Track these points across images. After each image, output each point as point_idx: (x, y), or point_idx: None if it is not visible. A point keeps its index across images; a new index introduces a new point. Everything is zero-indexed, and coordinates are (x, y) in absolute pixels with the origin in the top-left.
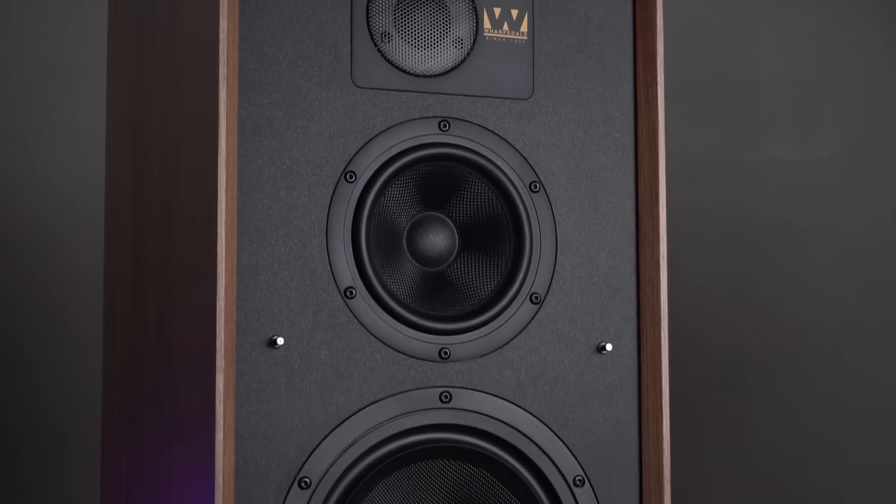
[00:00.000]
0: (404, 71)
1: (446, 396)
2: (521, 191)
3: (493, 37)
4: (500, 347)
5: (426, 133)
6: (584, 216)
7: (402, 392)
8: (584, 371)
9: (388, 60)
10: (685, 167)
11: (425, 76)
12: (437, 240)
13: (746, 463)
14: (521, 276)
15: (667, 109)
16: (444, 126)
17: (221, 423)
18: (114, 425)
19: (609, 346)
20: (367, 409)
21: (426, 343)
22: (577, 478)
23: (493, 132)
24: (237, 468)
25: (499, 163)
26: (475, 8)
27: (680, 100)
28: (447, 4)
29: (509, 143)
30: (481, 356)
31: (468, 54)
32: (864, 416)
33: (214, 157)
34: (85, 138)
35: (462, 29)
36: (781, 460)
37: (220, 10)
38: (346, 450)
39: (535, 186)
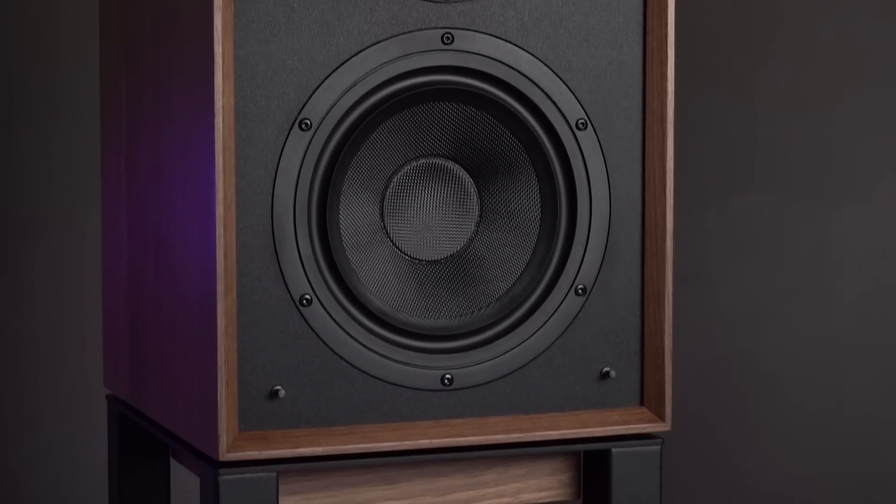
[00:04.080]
0: None
1: (448, 38)
2: None
3: None
4: None
5: None
6: None
7: (403, 33)
8: (588, 13)
9: None
10: None
11: None
12: None
13: (745, 127)
14: None
15: None
16: None
17: (220, 63)
18: (111, 74)
19: None
20: (368, 49)
21: None
22: (580, 121)
23: None
24: (237, 109)
25: None
26: None
27: None
28: None
29: None
30: None
31: None
32: (864, 69)
33: None
34: None
35: None
36: (782, 139)
37: None
38: (346, 91)
39: None
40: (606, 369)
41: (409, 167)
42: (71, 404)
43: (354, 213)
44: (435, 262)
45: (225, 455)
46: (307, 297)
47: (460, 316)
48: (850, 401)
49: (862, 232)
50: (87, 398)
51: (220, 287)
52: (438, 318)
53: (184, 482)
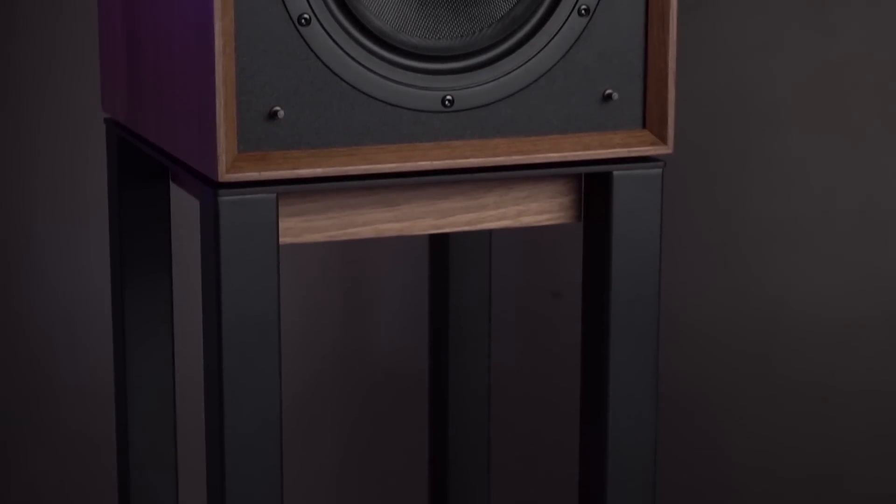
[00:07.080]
0: None
1: None
2: None
3: None
4: None
5: None
6: None
7: None
8: None
9: None
10: None
11: None
12: None
13: None
14: None
15: None
16: None
17: None
18: None
19: None
20: None
21: None
22: None
23: None
24: None
25: None
26: None
27: None
28: None
29: None
30: None
31: None
32: None
33: None
34: None
35: None
36: None
37: None
38: None
39: None
40: (609, 91)
41: None
42: (69, 129)
43: None
44: None
45: (224, 176)
46: (306, 16)
47: (461, 36)
48: (855, 126)
49: None
50: (86, 123)
51: (217, 4)
52: (439, 38)
53: (184, 205)
